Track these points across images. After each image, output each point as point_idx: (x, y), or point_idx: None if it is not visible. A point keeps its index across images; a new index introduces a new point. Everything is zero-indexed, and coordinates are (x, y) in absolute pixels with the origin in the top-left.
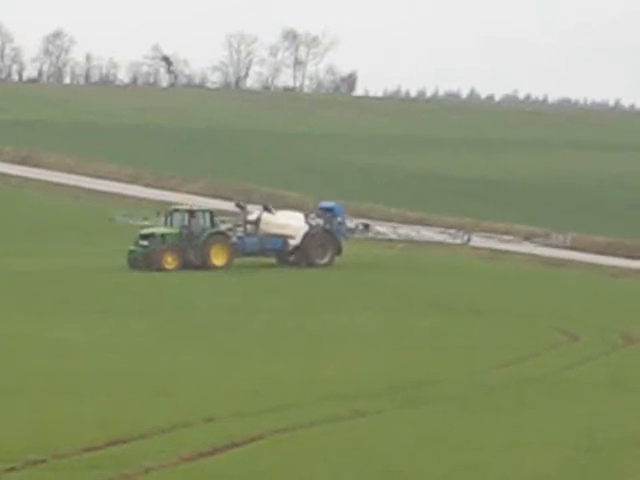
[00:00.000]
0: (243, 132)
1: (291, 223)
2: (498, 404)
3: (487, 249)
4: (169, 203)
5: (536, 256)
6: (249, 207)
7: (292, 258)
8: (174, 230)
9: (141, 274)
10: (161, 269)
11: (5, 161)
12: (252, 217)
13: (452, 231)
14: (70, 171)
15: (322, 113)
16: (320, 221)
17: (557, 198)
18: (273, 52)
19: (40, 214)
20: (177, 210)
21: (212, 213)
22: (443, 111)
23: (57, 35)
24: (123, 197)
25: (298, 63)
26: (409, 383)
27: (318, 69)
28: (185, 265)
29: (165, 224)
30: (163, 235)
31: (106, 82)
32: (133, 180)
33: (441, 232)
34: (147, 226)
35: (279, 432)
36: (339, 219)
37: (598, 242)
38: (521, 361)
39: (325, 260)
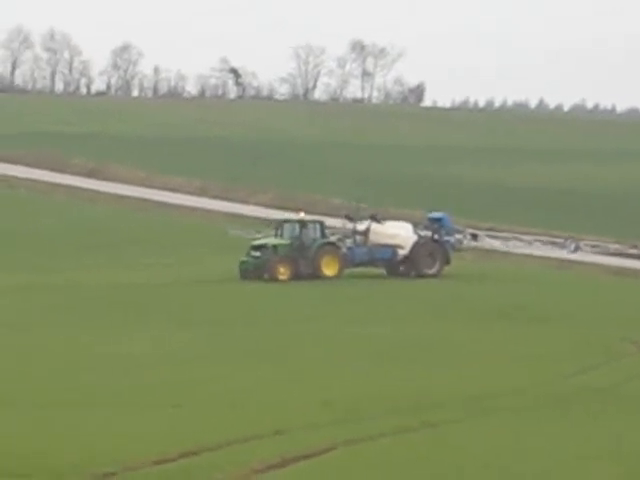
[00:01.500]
0: (312, 144)
1: (400, 233)
2: (567, 415)
3: (555, 259)
4: (237, 215)
5: (606, 266)
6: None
7: (402, 268)
8: (285, 241)
9: (237, 285)
10: (274, 279)
11: (73, 174)
12: (361, 227)
13: (560, 240)
14: (139, 184)
15: (390, 124)
16: (428, 232)
17: (627, 208)
18: (341, 63)
19: (109, 226)
20: (288, 221)
21: (322, 224)
22: (512, 121)
23: (125, 48)
24: (192, 210)
25: (366, 74)
26: (477, 394)
27: (386, 80)
28: (297, 275)
29: (275, 235)
30: (275, 246)
31: (174, 94)
32: (201, 192)
33: (551, 242)
34: (259, 237)
35: (349, 443)
36: (447, 229)
37: None
38: (590, 371)
39: (434, 270)
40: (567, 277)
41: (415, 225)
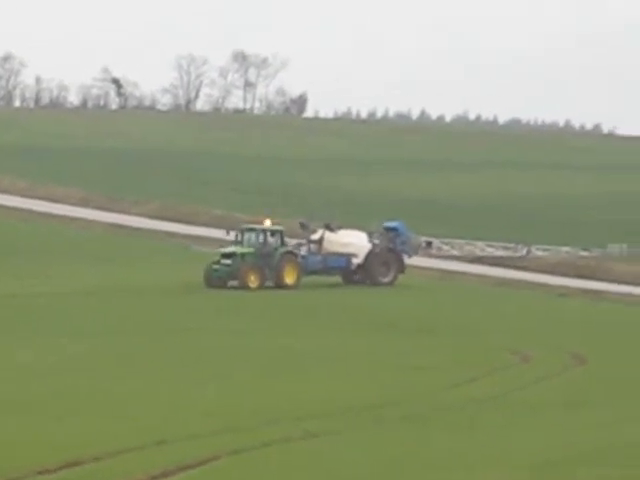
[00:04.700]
0: (194, 154)
1: (354, 242)
2: (450, 424)
3: (437, 269)
4: (119, 226)
5: (486, 276)
6: (312, 226)
7: (357, 277)
8: (251, 249)
9: (124, 296)
10: (245, 287)
11: None
12: (315, 236)
13: (511, 245)
14: (22, 194)
15: (272, 134)
16: (382, 240)
17: (502, 217)
18: (223, 74)
19: None
20: (251, 229)
21: (282, 232)
22: (394, 132)
23: (7, 58)
24: (73, 219)
25: (248, 85)
26: (362, 404)
27: (268, 91)
28: (263, 284)
29: (235, 243)
30: (243, 254)
31: (56, 105)
32: (84, 203)
33: (503, 247)
34: (227, 245)
35: (232, 453)
36: (403, 238)
37: (546, 262)
38: (473, 381)
39: (388, 278)
40: (451, 288)
41: (370, 234)
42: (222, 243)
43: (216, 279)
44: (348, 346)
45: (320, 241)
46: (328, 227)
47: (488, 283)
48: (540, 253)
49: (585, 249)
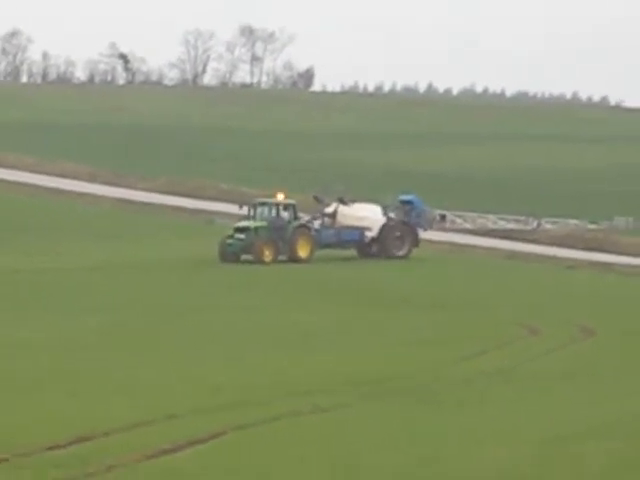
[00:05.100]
0: (201, 129)
1: (368, 215)
2: (459, 398)
3: (447, 243)
4: (127, 201)
5: (495, 249)
6: (327, 200)
7: (372, 250)
8: (264, 223)
9: (135, 273)
10: (259, 261)
11: None
12: (329, 209)
13: (522, 218)
14: (30, 170)
15: (280, 109)
16: (398, 213)
17: (508, 188)
18: (230, 48)
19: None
20: (264, 203)
21: (295, 206)
22: (401, 106)
23: (14, 34)
24: (80, 195)
25: (255, 59)
26: (371, 378)
27: (275, 65)
28: (277, 258)
29: (248, 217)
30: (256, 228)
31: (63, 80)
32: (91, 178)
33: (514, 220)
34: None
35: (241, 428)
36: (417, 211)
37: (555, 234)
38: (482, 355)
39: (403, 252)
40: (462, 261)
41: (384, 208)
42: (242, 218)
43: (230, 254)
44: (358, 321)
45: (334, 215)
46: (342, 201)
47: (498, 256)
48: (549, 226)
49: (593, 222)
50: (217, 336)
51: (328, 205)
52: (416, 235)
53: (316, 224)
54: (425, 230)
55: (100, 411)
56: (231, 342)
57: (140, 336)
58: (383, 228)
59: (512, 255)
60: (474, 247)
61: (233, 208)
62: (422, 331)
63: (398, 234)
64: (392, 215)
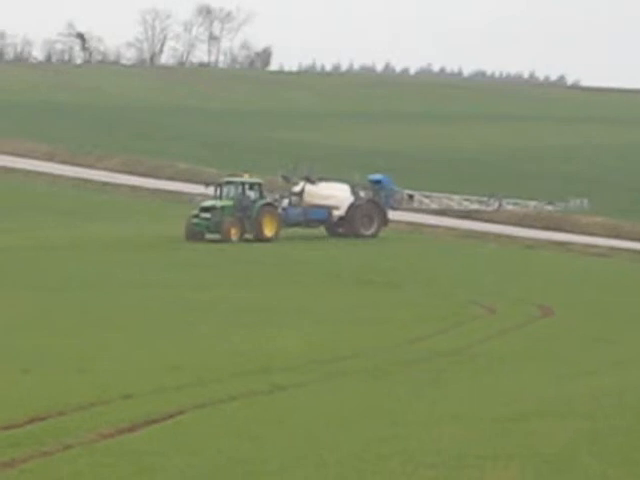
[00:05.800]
0: (158, 109)
1: (335, 194)
2: (415, 377)
3: (406, 222)
4: (85, 180)
5: (455, 229)
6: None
7: (341, 229)
8: (230, 202)
9: (83, 252)
10: (226, 240)
11: None
12: (296, 189)
13: (484, 199)
14: None
15: (237, 88)
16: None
17: (471, 168)
18: (187, 28)
19: None
20: (230, 182)
21: (261, 185)
22: (360, 85)
23: None
24: (39, 174)
25: (213, 38)
26: (327, 357)
27: (233, 44)
28: (243, 236)
29: (215, 197)
30: (223, 207)
31: (20, 60)
32: (49, 158)
33: (478, 201)
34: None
35: (199, 407)
36: (387, 191)
37: (514, 214)
38: (438, 334)
39: (371, 231)
40: (421, 241)
41: (353, 187)
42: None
43: (196, 233)
44: (316, 299)
45: (301, 193)
46: (308, 179)
47: (457, 235)
48: (510, 207)
49: (550, 203)
50: (173, 314)
51: (296, 184)
52: (385, 214)
53: (284, 203)
54: (394, 209)
55: (55, 390)
56: (188, 321)
57: (93, 315)
58: (351, 207)
59: (471, 234)
60: (435, 227)
61: (191, 187)
62: (379, 311)
63: (366, 213)
64: (362, 194)
